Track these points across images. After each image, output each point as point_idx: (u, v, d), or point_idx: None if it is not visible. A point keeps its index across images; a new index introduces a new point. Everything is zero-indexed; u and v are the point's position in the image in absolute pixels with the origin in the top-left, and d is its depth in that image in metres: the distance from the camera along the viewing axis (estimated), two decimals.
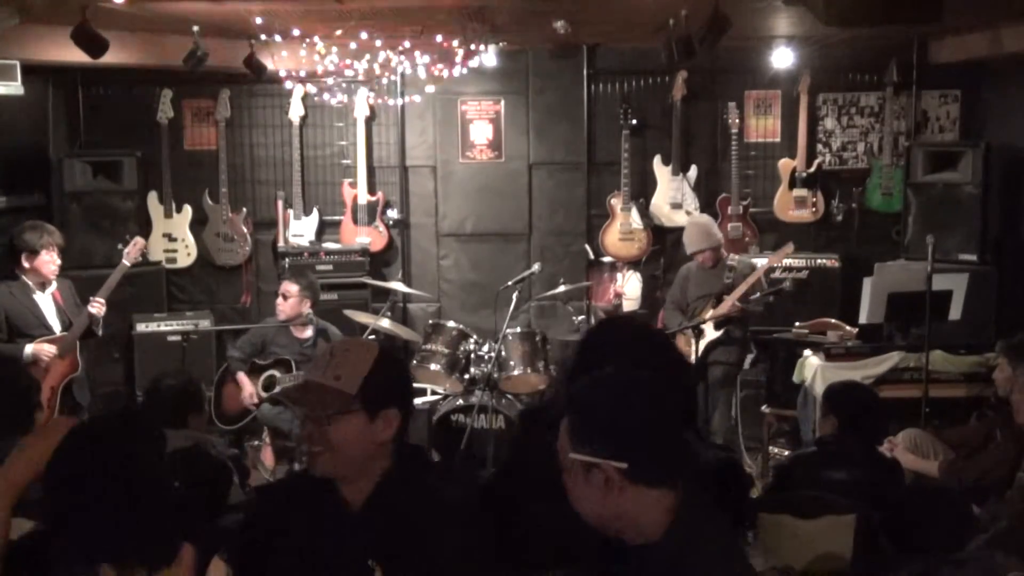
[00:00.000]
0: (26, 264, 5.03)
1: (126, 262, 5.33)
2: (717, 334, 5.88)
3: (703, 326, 5.78)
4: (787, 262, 6.63)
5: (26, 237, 5.02)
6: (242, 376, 5.75)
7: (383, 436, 2.04)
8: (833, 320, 6.12)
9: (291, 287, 5.75)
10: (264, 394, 5.73)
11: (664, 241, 7.16)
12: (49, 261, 5.06)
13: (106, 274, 5.35)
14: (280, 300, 5.77)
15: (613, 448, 1.71)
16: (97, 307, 5.15)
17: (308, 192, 7.13)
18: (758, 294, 5.85)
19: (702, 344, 5.77)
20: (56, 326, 5.11)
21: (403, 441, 2.10)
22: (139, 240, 5.52)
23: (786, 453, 5.95)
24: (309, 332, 5.82)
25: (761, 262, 6.47)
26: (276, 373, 5.74)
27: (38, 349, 4.95)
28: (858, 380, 4.69)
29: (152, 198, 6.93)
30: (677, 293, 6.24)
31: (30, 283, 5.06)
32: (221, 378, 5.89)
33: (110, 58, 4.87)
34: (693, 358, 5.65)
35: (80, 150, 6.91)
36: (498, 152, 7.18)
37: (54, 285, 5.16)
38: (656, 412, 1.76)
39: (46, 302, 5.12)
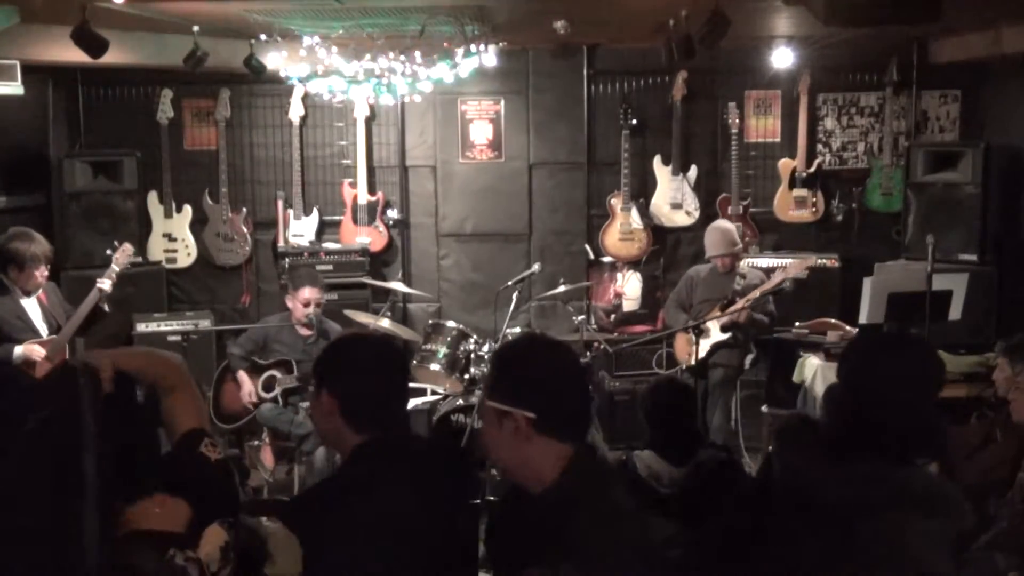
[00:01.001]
0: (12, 275, 4.94)
1: (115, 267, 5.25)
2: (723, 337, 5.90)
3: (710, 328, 5.81)
4: (787, 262, 6.63)
5: (13, 248, 4.91)
6: (242, 375, 5.73)
7: (326, 413, 2.16)
8: (833, 320, 6.12)
9: (317, 293, 5.68)
10: (264, 394, 5.72)
11: (664, 241, 7.16)
12: (36, 276, 4.97)
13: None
14: (307, 308, 5.65)
15: (524, 399, 1.91)
16: (108, 283, 5.10)
17: (308, 192, 7.13)
18: (758, 294, 5.86)
19: (704, 344, 5.78)
20: (43, 330, 5.04)
21: (372, 431, 2.15)
22: (127, 247, 5.38)
23: None
24: (312, 330, 5.81)
25: (767, 263, 6.49)
26: (276, 374, 5.73)
27: (28, 350, 4.89)
28: None
29: (152, 198, 6.94)
30: (682, 293, 6.25)
31: (16, 288, 4.98)
32: (220, 377, 5.89)
33: (110, 58, 4.86)
34: (695, 359, 5.66)
35: (80, 150, 6.91)
36: (498, 152, 7.18)
37: (39, 290, 5.09)
38: (566, 373, 1.98)
39: (32, 306, 5.05)
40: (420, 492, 2.12)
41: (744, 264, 6.15)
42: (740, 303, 5.78)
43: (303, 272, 5.91)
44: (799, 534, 2.07)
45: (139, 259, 6.59)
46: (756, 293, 5.83)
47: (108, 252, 5.37)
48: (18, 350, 4.88)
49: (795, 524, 2.09)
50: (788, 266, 6.06)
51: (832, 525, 2.04)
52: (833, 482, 2.10)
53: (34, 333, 5.01)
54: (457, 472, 2.37)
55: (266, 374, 5.74)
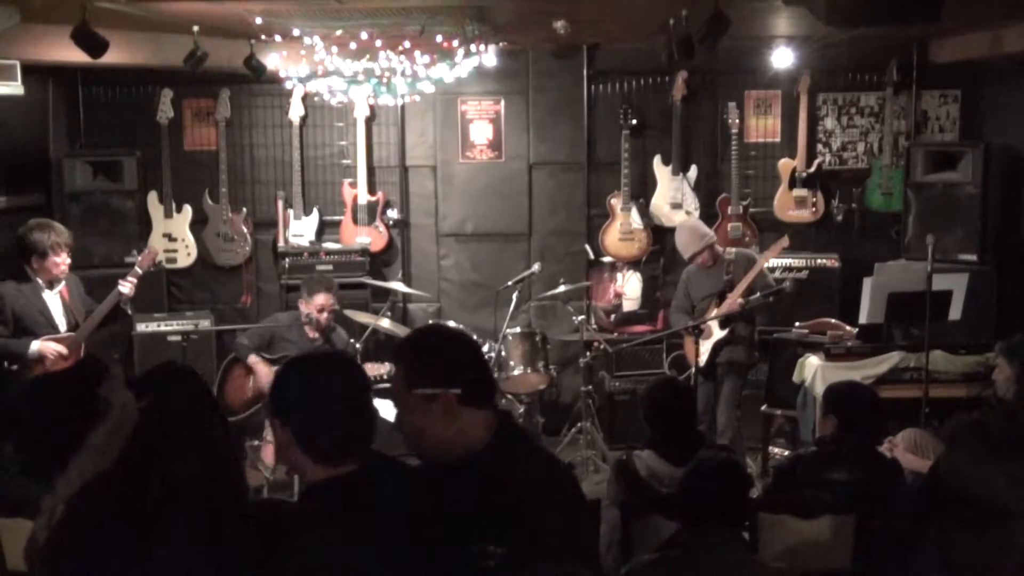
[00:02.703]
0: (35, 265, 5.01)
1: (139, 269, 5.29)
2: (723, 333, 5.89)
3: (711, 327, 5.80)
4: (787, 262, 6.63)
5: (34, 238, 4.98)
6: (254, 360, 5.73)
7: (283, 446, 2.13)
8: (833, 320, 6.12)
9: (331, 299, 5.68)
10: None
11: (664, 241, 7.15)
12: (59, 262, 5.04)
13: (106, 273, 5.35)
14: (322, 316, 5.66)
15: (448, 379, 2.10)
16: (129, 286, 5.15)
17: (308, 192, 7.13)
18: (758, 293, 5.86)
19: (707, 344, 5.77)
20: (62, 325, 5.09)
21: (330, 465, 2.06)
22: (153, 249, 5.46)
23: (786, 453, 5.95)
24: (319, 333, 5.81)
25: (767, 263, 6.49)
26: None
27: (44, 347, 4.94)
28: (858, 380, 4.69)
29: (152, 198, 6.93)
30: (681, 297, 6.25)
31: (40, 281, 5.04)
32: (224, 374, 5.90)
33: (110, 58, 4.86)
34: (703, 359, 5.66)
35: (80, 150, 6.91)
36: (498, 152, 7.18)
37: (63, 283, 5.15)
38: (472, 349, 2.24)
39: (54, 301, 5.11)
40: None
41: (729, 251, 6.12)
42: (731, 297, 5.76)
43: (318, 279, 5.92)
44: (957, 531, 2.11)
45: (151, 268, 6.61)
46: (744, 283, 5.78)
47: (134, 252, 5.40)
48: (34, 346, 4.92)
49: (954, 521, 2.13)
50: (765, 253, 6.04)
51: (989, 522, 2.08)
52: (992, 480, 2.14)
53: (52, 328, 5.06)
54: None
55: (275, 369, 5.76)
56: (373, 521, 1.94)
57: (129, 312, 5.33)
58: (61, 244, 5.02)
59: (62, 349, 4.98)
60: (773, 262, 6.63)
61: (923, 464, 4.42)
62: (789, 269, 6.68)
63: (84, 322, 5.12)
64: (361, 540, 1.91)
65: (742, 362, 5.97)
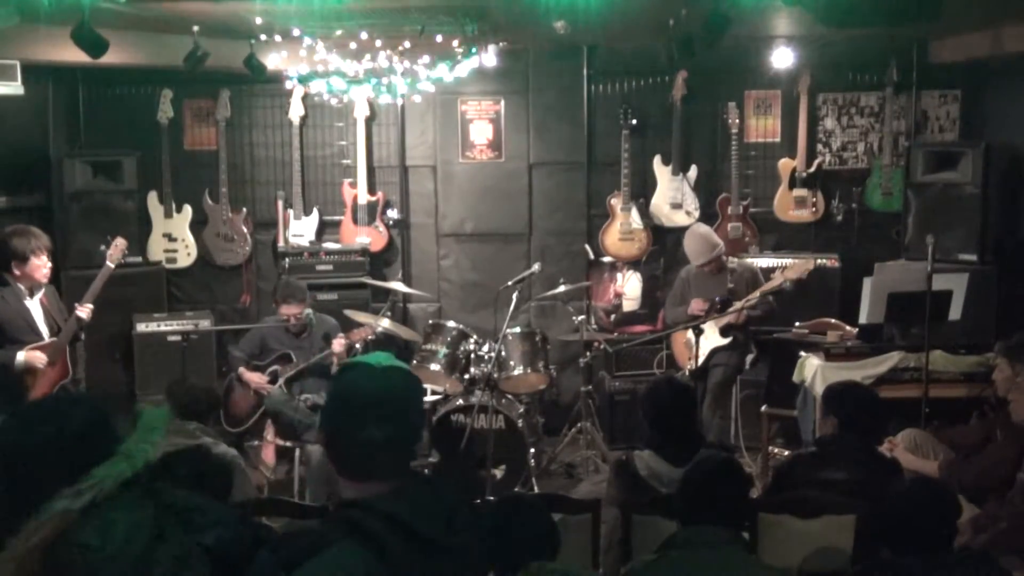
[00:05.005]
0: (16, 271, 4.98)
1: (110, 264, 5.31)
2: (724, 341, 5.90)
3: (709, 330, 5.80)
4: (787, 262, 6.63)
5: (14, 243, 4.96)
6: (244, 371, 5.77)
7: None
8: (833, 320, 6.12)
9: (294, 309, 5.73)
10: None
11: (664, 241, 7.16)
12: (40, 265, 5.01)
13: None
14: (290, 321, 5.74)
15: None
16: (86, 312, 5.14)
17: (308, 192, 7.13)
18: (757, 293, 5.87)
19: (704, 347, 5.77)
20: (44, 331, 5.07)
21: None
22: (120, 241, 5.42)
23: (786, 453, 5.95)
24: (305, 330, 5.85)
25: (760, 262, 6.49)
26: (278, 367, 5.78)
27: (31, 357, 4.91)
28: (858, 380, 4.69)
29: (152, 198, 6.94)
30: (678, 296, 6.25)
31: (21, 287, 5.02)
32: (228, 387, 5.90)
33: (110, 58, 4.85)
34: (695, 363, 5.66)
35: (80, 150, 6.91)
36: (498, 152, 7.18)
37: (42, 290, 5.12)
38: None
39: (35, 307, 5.08)
40: None
41: (732, 260, 6.15)
42: (737, 306, 5.78)
43: (292, 286, 5.89)
44: None
45: (139, 259, 6.61)
46: (756, 294, 5.84)
47: (102, 248, 5.40)
48: (20, 357, 4.90)
49: None
50: (788, 268, 6.05)
51: None
52: None
53: (36, 335, 5.03)
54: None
55: (269, 370, 5.78)
56: (384, 547, 1.79)
57: (82, 338, 5.30)
58: (42, 247, 5.00)
59: (46, 357, 4.96)
60: (773, 261, 6.64)
61: (923, 464, 4.42)
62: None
63: (63, 329, 5.10)
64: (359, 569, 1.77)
65: (733, 365, 6.00)
